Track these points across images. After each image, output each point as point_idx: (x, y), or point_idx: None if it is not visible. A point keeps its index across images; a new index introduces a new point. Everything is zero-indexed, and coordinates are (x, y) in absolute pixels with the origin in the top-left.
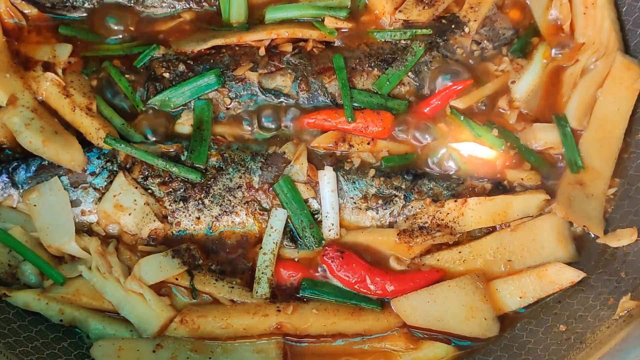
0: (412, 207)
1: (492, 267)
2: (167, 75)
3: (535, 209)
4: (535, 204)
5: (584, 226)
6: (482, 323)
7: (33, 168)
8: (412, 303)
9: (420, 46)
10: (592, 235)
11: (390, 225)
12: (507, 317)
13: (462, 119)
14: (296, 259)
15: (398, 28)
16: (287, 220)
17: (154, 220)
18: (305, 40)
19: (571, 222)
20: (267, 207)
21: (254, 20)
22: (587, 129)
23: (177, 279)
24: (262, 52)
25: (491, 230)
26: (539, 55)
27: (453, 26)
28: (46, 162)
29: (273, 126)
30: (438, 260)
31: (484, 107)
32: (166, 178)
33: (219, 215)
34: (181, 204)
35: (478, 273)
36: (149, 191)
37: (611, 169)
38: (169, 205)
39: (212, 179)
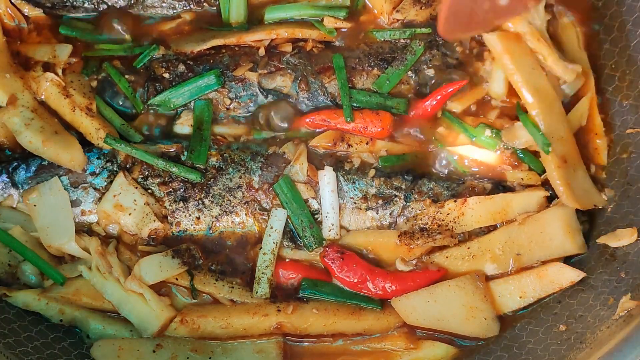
0: (412, 208)
1: (501, 262)
2: (167, 75)
3: (535, 206)
4: (535, 201)
5: (594, 205)
6: (482, 323)
7: (33, 168)
8: (412, 302)
9: (419, 45)
10: (592, 236)
11: (390, 225)
12: (507, 317)
13: (455, 121)
14: (296, 260)
15: (397, 27)
16: (287, 220)
17: (154, 220)
18: (305, 40)
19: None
20: (267, 207)
21: (254, 20)
22: (530, 105)
23: (177, 279)
24: (261, 52)
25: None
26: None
27: None
28: (46, 162)
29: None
30: (447, 257)
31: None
32: (166, 178)
33: (219, 215)
34: (181, 204)
35: (478, 273)
36: (149, 191)
37: (567, 131)
38: (169, 205)
39: (212, 179)
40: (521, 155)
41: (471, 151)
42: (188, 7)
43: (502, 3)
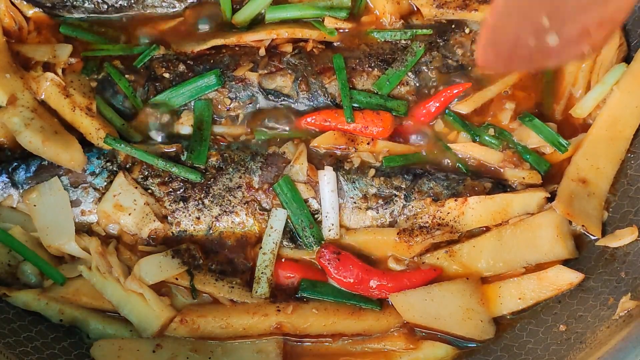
0: (412, 207)
1: (492, 264)
2: (167, 75)
3: (536, 207)
4: (535, 202)
5: (583, 225)
6: (477, 325)
7: (33, 168)
8: (410, 299)
9: (420, 46)
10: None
11: (391, 225)
12: (505, 317)
13: (459, 121)
14: (296, 259)
15: (398, 28)
16: (287, 220)
17: (154, 220)
18: (305, 41)
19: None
20: (267, 207)
21: (254, 20)
22: (595, 125)
23: (177, 279)
24: (262, 52)
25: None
26: None
27: (453, 26)
28: (46, 162)
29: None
30: (438, 258)
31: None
32: (166, 178)
33: (219, 215)
34: (181, 204)
35: (475, 275)
36: (149, 191)
37: (615, 169)
38: (169, 205)
39: (212, 179)
40: (525, 154)
41: (473, 149)
42: (188, 5)
43: (551, 43)
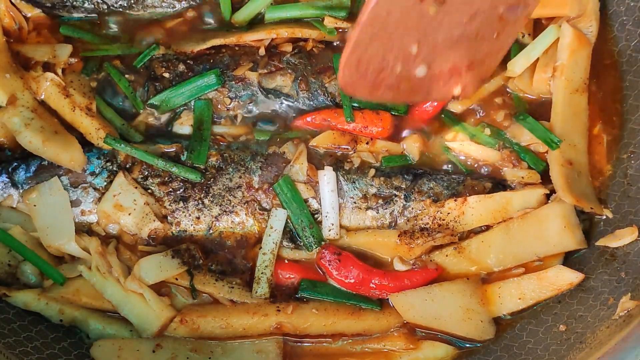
0: (412, 208)
1: (500, 258)
2: (167, 75)
3: (535, 204)
4: (534, 198)
5: (591, 208)
6: (478, 325)
7: (33, 168)
8: (410, 299)
9: None
10: (592, 235)
11: (391, 225)
12: (505, 317)
13: (454, 121)
14: (296, 260)
15: None
16: (287, 220)
17: (154, 220)
18: (305, 40)
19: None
20: (267, 207)
21: (254, 20)
22: (558, 103)
23: (177, 279)
24: (262, 52)
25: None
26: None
27: None
28: (46, 162)
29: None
30: (447, 255)
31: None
32: (166, 178)
33: (219, 215)
34: (181, 204)
35: (475, 276)
36: (149, 191)
37: (586, 142)
38: (169, 205)
39: (211, 179)
40: (522, 154)
41: (471, 149)
42: (188, 5)
43: (418, 74)
